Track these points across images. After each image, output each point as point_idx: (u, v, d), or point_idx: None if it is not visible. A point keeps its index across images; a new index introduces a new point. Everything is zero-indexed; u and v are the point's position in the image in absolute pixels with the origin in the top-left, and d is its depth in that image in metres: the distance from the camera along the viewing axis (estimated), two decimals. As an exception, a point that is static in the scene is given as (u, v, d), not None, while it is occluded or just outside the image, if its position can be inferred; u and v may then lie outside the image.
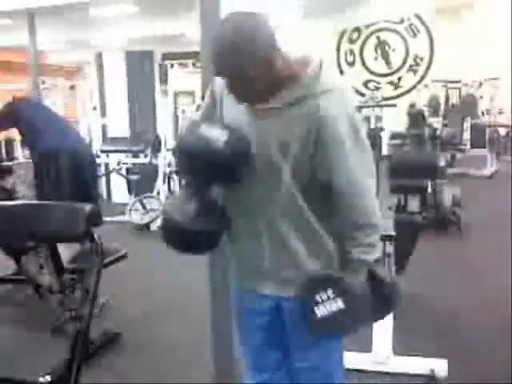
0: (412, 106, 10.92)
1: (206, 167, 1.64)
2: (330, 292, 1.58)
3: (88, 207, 2.16)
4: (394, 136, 8.35)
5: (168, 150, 7.46)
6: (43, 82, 10.95)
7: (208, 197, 1.72)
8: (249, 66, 1.48)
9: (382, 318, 1.79)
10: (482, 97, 12.08)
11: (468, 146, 10.54)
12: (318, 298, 1.59)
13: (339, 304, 1.58)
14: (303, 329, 1.69)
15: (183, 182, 1.91)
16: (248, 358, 1.92)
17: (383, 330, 3.10)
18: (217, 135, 1.60)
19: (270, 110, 1.60)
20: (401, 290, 1.74)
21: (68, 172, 4.25)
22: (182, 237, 1.71)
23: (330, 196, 1.63)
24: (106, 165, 8.14)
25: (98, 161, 8.01)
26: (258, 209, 1.68)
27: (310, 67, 1.59)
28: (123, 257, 3.65)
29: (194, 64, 9.14)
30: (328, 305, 1.58)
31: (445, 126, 11.04)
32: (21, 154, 14.06)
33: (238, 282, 1.87)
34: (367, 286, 1.63)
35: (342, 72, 8.26)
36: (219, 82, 1.70)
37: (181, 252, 1.75)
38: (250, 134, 1.63)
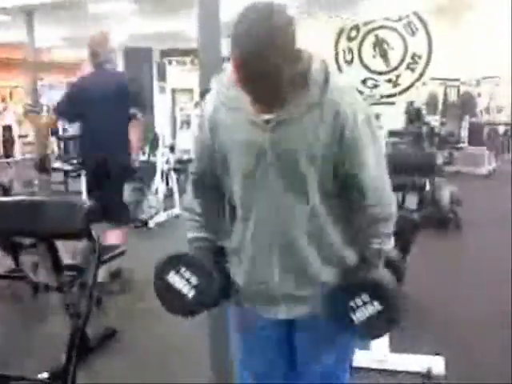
0: (410, 104, 10.94)
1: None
2: (364, 296, 1.55)
3: (86, 204, 2.16)
4: (391, 134, 8.38)
5: (166, 147, 7.46)
6: (41, 79, 10.96)
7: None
8: (282, 59, 1.39)
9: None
10: (480, 95, 12.09)
11: (466, 144, 10.55)
12: (352, 304, 1.56)
13: (376, 306, 1.55)
14: (316, 344, 1.71)
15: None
16: (250, 370, 1.87)
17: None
18: (185, 289, 1.65)
19: (283, 119, 1.54)
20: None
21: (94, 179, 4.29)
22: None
23: (348, 198, 1.63)
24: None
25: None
26: (273, 223, 1.62)
27: (314, 63, 1.55)
28: (121, 253, 3.65)
29: (192, 61, 9.14)
30: (364, 309, 1.55)
31: (443, 124, 11.06)
32: (18, 152, 14.08)
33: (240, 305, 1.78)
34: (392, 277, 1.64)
35: (340, 70, 8.27)
36: (216, 104, 1.63)
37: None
38: (262, 147, 1.56)
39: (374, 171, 1.59)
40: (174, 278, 1.66)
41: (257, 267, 1.67)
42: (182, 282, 1.65)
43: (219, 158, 1.65)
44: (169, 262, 1.70)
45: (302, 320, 1.71)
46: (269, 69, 1.39)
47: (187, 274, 1.65)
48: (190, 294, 1.65)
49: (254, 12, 1.41)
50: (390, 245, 1.68)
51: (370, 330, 1.59)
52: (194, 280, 1.65)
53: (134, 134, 4.31)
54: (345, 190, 1.62)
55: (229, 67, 1.54)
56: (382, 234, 1.65)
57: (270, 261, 1.64)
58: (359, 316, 1.56)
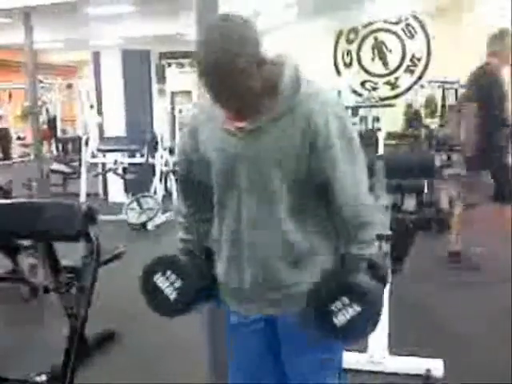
0: (409, 106, 10.97)
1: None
2: (344, 299, 1.54)
3: (84, 205, 2.16)
4: (390, 136, 8.38)
5: (165, 149, 7.47)
6: (41, 81, 10.97)
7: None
8: (240, 64, 1.43)
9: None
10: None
11: (465, 147, 10.52)
12: (333, 308, 1.55)
13: (356, 308, 1.53)
14: (297, 343, 1.70)
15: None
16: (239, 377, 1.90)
17: (379, 330, 3.10)
18: (168, 291, 1.71)
19: (254, 127, 1.55)
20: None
21: None
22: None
23: (322, 205, 1.63)
24: (103, 164, 8.12)
25: (94, 160, 8.03)
26: (243, 228, 1.64)
27: (286, 68, 1.55)
28: (120, 255, 3.64)
29: (191, 64, 9.15)
30: (345, 312, 1.54)
31: (441, 126, 11.06)
32: (17, 153, 14.09)
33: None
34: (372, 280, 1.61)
35: (338, 72, 8.28)
36: (196, 113, 1.73)
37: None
38: (235, 154, 1.59)
39: (350, 181, 1.57)
40: (159, 280, 1.74)
41: (231, 268, 1.70)
42: (166, 284, 1.73)
43: (201, 162, 1.69)
44: (156, 264, 1.77)
45: (283, 320, 1.71)
46: (231, 74, 1.43)
47: (172, 277, 1.72)
48: (172, 295, 1.72)
49: (217, 22, 1.51)
50: (372, 250, 1.64)
51: (352, 333, 1.57)
52: (177, 282, 1.71)
53: None
54: (321, 196, 1.61)
55: None
56: (360, 240, 1.62)
57: (241, 265, 1.67)
58: (340, 319, 1.54)
